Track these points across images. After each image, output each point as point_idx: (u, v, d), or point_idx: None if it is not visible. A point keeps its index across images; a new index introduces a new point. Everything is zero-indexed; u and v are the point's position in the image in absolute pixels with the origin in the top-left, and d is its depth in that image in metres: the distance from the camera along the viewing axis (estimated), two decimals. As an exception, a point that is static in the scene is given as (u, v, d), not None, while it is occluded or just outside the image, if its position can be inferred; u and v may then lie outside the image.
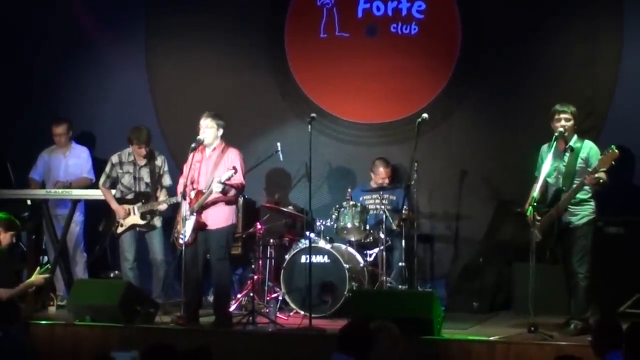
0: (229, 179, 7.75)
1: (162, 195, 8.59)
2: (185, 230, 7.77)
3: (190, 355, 5.01)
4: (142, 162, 8.66)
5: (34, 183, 9.36)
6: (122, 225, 8.60)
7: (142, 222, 8.54)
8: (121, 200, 8.63)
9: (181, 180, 8.15)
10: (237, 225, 8.39)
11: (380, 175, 9.09)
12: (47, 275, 7.65)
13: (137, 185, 8.65)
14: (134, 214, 8.57)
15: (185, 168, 8.13)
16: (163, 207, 8.53)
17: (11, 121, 10.15)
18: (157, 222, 8.60)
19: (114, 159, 8.70)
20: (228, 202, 7.94)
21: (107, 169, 8.70)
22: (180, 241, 7.85)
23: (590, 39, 9.06)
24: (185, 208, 7.80)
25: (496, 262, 9.07)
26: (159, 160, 8.68)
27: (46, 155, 9.45)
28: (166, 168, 8.67)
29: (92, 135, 10.14)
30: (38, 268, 7.65)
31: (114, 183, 8.70)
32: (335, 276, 8.44)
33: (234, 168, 7.77)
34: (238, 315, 8.14)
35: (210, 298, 8.57)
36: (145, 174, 8.64)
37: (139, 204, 8.56)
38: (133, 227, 8.60)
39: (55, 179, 9.29)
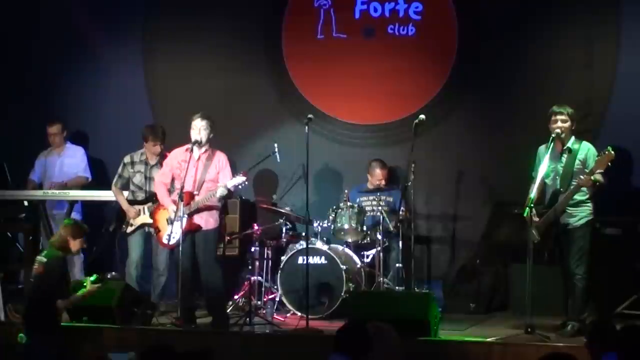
0: (236, 185, 7.78)
1: (172, 196, 8.56)
2: (174, 230, 7.79)
3: (192, 357, 5.00)
4: (154, 161, 8.67)
5: (32, 184, 9.37)
6: (132, 225, 8.65)
7: (151, 221, 8.55)
8: (132, 202, 8.67)
9: (159, 178, 8.16)
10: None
11: (377, 176, 9.09)
12: (100, 285, 7.56)
13: (147, 185, 8.67)
14: (144, 213, 8.60)
15: (166, 167, 8.14)
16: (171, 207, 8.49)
17: (7, 122, 10.13)
18: None
19: (126, 159, 8.75)
20: (217, 205, 7.97)
21: (120, 169, 8.76)
22: (165, 240, 7.88)
23: (587, 40, 9.07)
24: (171, 208, 7.80)
25: (493, 263, 9.08)
26: None
27: (42, 157, 9.47)
28: None
29: (90, 135, 10.14)
30: (89, 278, 7.57)
31: (126, 184, 8.73)
32: (332, 277, 8.44)
33: (244, 174, 7.80)
34: (235, 316, 8.14)
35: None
36: (155, 174, 8.64)
37: (149, 204, 8.57)
38: (143, 226, 8.63)
39: (51, 178, 9.30)
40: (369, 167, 9.17)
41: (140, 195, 8.68)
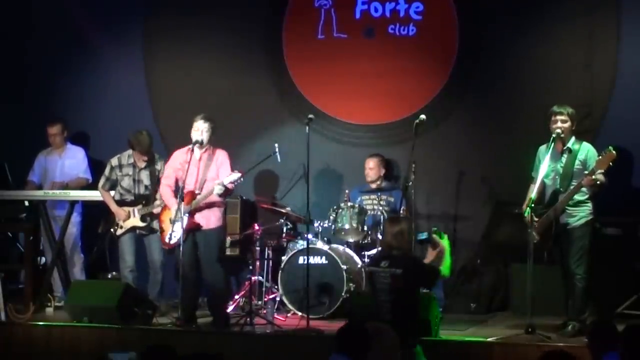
0: (233, 182, 7.79)
1: (160, 197, 8.56)
2: (175, 230, 7.79)
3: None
4: (142, 164, 8.64)
5: (31, 185, 9.35)
6: (121, 227, 8.59)
7: (142, 224, 8.53)
8: (121, 203, 8.62)
9: (163, 181, 8.16)
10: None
11: (368, 167, 9.07)
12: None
13: (136, 188, 8.63)
14: (134, 216, 8.55)
15: (169, 169, 8.14)
16: (160, 209, 8.49)
17: (8, 122, 10.13)
18: (156, 224, 8.57)
19: (114, 161, 8.68)
20: (219, 204, 7.97)
21: (107, 171, 8.68)
22: (167, 240, 7.88)
23: (587, 40, 9.06)
24: (174, 209, 7.80)
25: (493, 263, 9.07)
26: (159, 164, 8.65)
27: (42, 157, 9.45)
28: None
29: (90, 136, 10.13)
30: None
31: (113, 185, 8.69)
32: (332, 277, 8.44)
33: (241, 172, 7.81)
34: (236, 316, 8.15)
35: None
36: (144, 177, 8.63)
37: (139, 207, 8.55)
38: (133, 229, 8.59)
39: (52, 180, 9.28)
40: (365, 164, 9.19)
41: (129, 198, 8.64)
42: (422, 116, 8.32)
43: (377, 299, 6.71)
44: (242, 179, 7.90)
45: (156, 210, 8.43)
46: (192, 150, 7.90)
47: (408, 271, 6.57)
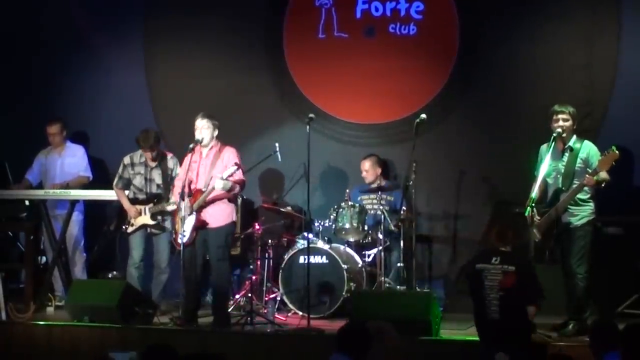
0: (231, 175, 7.76)
1: (173, 197, 8.57)
2: (185, 229, 7.78)
3: None
4: (154, 163, 8.67)
5: (26, 183, 9.34)
6: (132, 225, 8.64)
7: (152, 222, 8.56)
8: (133, 201, 8.67)
9: (177, 183, 8.17)
10: (236, 223, 8.39)
11: (363, 169, 9.06)
12: None
13: (148, 187, 8.66)
14: (145, 214, 8.60)
15: (181, 170, 8.15)
16: (172, 207, 8.48)
17: (8, 121, 10.14)
18: (168, 224, 8.60)
19: (126, 160, 8.73)
20: (228, 200, 7.95)
21: (120, 170, 8.75)
22: (180, 240, 7.87)
23: (587, 39, 9.05)
24: (183, 208, 7.80)
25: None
26: (171, 162, 8.69)
27: (42, 156, 9.45)
28: (178, 170, 8.62)
29: (91, 136, 10.14)
30: None
31: (127, 184, 8.73)
32: (333, 277, 8.45)
33: (236, 164, 7.79)
34: (236, 316, 8.15)
35: (209, 298, 8.59)
36: (156, 176, 8.65)
37: (151, 205, 8.58)
38: (143, 227, 8.63)
39: (53, 178, 9.29)
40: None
41: (141, 197, 8.69)
42: (423, 115, 8.32)
43: (487, 296, 6.59)
44: (238, 170, 7.83)
45: (169, 208, 8.40)
46: (192, 150, 7.90)
47: (520, 269, 6.53)
